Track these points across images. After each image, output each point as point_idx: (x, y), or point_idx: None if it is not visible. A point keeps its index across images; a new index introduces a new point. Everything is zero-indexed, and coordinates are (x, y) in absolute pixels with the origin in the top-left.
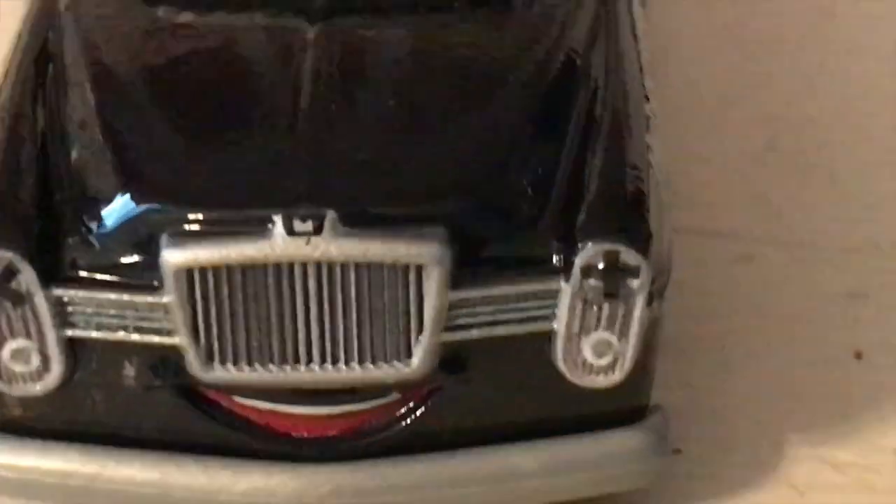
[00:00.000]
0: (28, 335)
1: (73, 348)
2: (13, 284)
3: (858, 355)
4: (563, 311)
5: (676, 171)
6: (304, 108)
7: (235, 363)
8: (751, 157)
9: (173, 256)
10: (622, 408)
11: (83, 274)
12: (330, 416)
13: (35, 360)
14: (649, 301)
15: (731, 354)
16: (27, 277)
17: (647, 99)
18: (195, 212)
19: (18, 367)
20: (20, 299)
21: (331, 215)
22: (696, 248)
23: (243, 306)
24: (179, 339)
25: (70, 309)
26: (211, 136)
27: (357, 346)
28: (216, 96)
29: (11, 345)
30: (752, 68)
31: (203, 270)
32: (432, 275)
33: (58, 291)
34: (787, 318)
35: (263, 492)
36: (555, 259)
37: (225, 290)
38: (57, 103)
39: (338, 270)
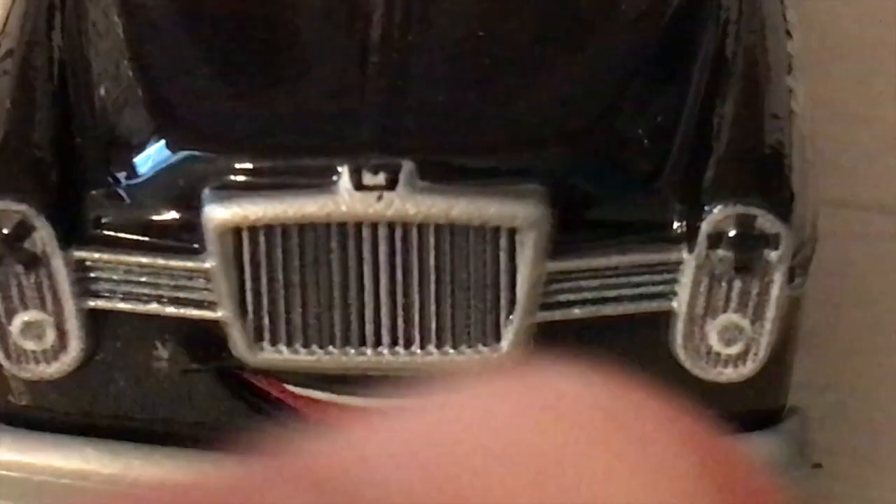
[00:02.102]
0: (43, 306)
1: (95, 322)
2: (26, 244)
3: None
4: (684, 287)
5: (816, 129)
6: (375, 37)
7: (289, 344)
8: None
9: (217, 213)
10: (753, 408)
11: (109, 233)
12: None
13: (50, 336)
14: (790, 278)
15: (888, 349)
16: (43, 236)
17: (790, 34)
18: (244, 160)
19: (30, 345)
20: (35, 262)
21: (407, 166)
22: (839, 223)
23: (300, 274)
24: (223, 314)
25: (93, 275)
26: (263, 70)
27: (435, 325)
28: (270, 21)
29: (23, 317)
30: None
31: (253, 230)
32: (527, 240)
33: (79, 253)
34: None
35: None
36: (676, 224)
37: (278, 255)
38: (78, 29)
39: (414, 233)
